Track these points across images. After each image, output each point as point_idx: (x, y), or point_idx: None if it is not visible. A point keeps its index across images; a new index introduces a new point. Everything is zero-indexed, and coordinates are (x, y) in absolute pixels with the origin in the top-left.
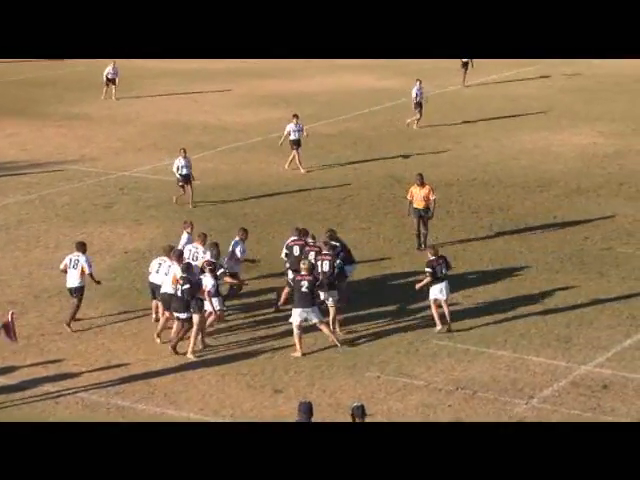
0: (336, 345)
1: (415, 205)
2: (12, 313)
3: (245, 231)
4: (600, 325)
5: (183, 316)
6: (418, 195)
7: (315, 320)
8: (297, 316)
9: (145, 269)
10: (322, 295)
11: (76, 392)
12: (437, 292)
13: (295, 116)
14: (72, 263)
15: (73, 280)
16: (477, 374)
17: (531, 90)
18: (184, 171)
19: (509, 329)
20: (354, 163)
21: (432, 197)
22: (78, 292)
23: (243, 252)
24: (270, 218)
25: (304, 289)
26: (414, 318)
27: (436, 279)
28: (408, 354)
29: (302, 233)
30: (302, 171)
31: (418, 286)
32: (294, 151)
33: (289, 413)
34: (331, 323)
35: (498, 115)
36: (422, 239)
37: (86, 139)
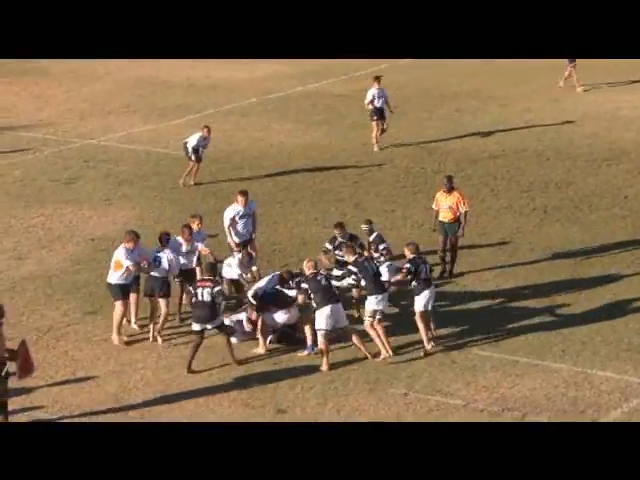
0: (366, 357)
1: (441, 217)
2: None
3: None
4: None
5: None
6: (444, 204)
7: (346, 323)
8: (327, 320)
9: None
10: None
11: (33, 411)
12: (425, 301)
13: (377, 79)
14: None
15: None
16: (528, 392)
17: None
18: (200, 150)
19: (568, 337)
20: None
21: (462, 209)
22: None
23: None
24: (271, 198)
25: (324, 282)
26: (450, 323)
27: (423, 283)
28: (442, 367)
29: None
30: (375, 149)
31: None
32: (374, 123)
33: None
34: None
35: (554, 71)
36: (449, 265)
37: (43, 99)
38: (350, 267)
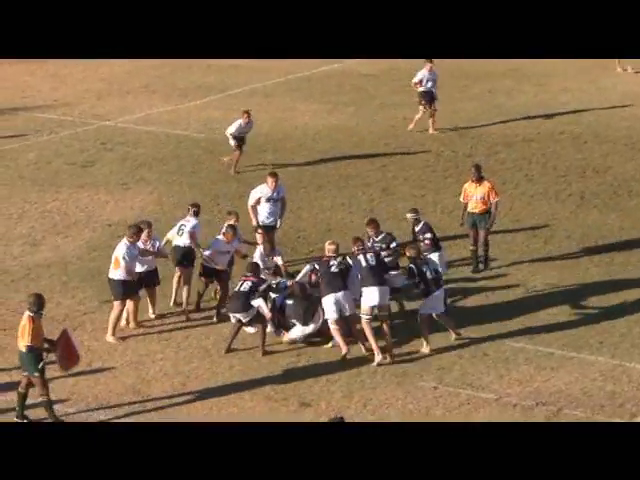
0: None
1: (470, 209)
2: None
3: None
4: None
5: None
6: (473, 195)
7: (349, 311)
8: (330, 308)
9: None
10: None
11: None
12: (434, 304)
13: (429, 60)
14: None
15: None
16: (563, 386)
17: None
18: (244, 138)
19: (606, 328)
20: (404, 111)
21: (493, 199)
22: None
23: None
24: (295, 182)
25: (333, 269)
26: (482, 313)
27: (430, 285)
28: (474, 359)
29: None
30: (431, 131)
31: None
32: (422, 107)
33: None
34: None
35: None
36: (480, 258)
37: (59, 79)
38: (347, 257)
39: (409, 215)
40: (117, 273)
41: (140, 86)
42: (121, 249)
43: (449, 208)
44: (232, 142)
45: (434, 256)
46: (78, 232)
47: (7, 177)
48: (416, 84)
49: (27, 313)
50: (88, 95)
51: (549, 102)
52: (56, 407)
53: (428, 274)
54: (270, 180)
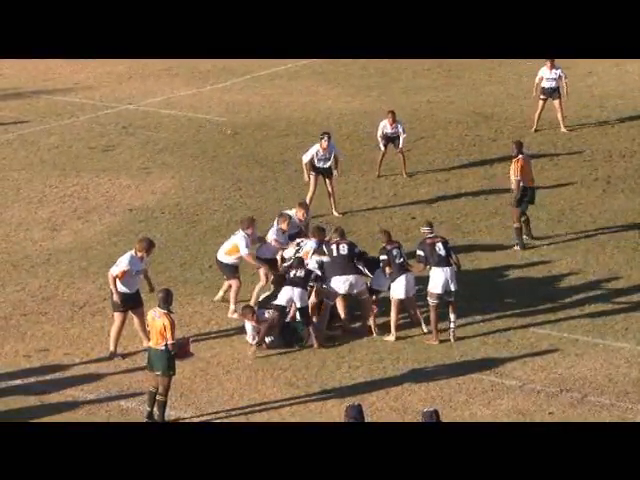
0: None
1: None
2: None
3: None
4: None
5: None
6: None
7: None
8: (341, 284)
9: (154, 231)
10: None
11: (68, 389)
12: (402, 289)
13: (551, 60)
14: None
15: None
16: (588, 372)
17: None
18: (392, 139)
19: (631, 314)
20: (427, 95)
21: (512, 176)
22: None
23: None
24: None
25: (343, 252)
26: (505, 299)
27: (397, 268)
28: (497, 345)
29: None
30: (562, 129)
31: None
32: (542, 102)
33: (341, 419)
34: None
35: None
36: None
37: (80, 62)
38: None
39: (424, 229)
40: (118, 285)
41: (161, 69)
42: (125, 261)
43: (473, 193)
44: (381, 143)
45: (442, 271)
46: (99, 217)
47: (28, 161)
48: (538, 83)
49: (160, 310)
50: (109, 78)
51: (575, 85)
52: (75, 393)
53: (396, 259)
54: (301, 212)
